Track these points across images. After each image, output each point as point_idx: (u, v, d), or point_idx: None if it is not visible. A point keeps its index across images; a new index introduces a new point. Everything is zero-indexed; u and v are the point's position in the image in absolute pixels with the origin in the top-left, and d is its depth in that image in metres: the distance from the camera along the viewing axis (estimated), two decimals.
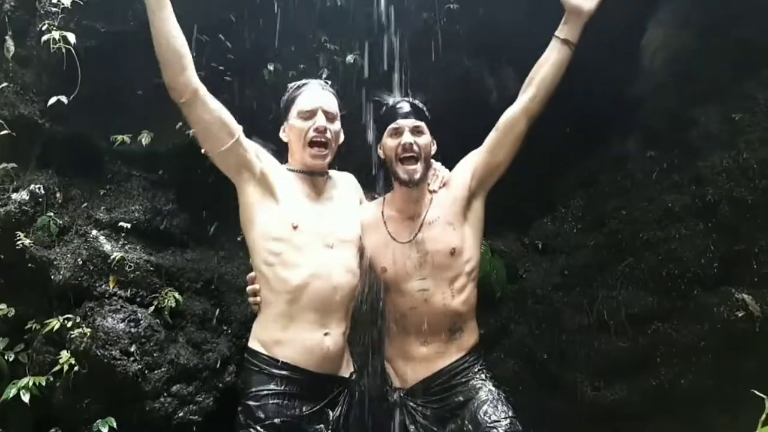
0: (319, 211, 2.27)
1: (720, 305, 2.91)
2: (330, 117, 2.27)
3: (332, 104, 2.30)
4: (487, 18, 3.45)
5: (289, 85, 2.37)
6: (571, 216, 3.54)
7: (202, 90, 2.13)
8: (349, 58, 3.32)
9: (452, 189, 2.37)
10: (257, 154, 2.25)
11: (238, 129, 2.20)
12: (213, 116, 2.14)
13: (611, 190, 3.41)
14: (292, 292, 2.14)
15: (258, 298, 2.25)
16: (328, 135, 2.25)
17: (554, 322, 3.31)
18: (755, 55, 3.03)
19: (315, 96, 2.28)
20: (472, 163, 2.39)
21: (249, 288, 2.30)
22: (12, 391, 3.02)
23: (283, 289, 2.15)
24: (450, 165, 2.48)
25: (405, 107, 2.32)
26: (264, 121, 3.36)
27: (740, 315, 2.84)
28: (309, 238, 2.18)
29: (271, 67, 3.34)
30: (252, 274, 2.31)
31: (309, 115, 2.24)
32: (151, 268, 3.22)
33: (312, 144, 2.25)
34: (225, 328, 3.39)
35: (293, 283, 2.14)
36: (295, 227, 2.16)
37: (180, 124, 3.11)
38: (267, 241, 2.19)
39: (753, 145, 2.96)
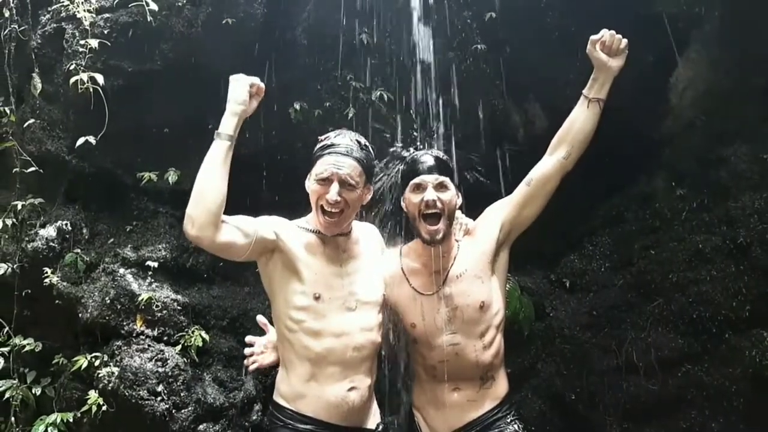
0: (341, 274, 2.23)
1: (752, 349, 2.88)
2: (348, 185, 2.15)
3: (353, 172, 2.14)
4: (513, 56, 3.44)
5: (321, 138, 2.25)
6: (599, 254, 3.51)
7: (218, 235, 2.00)
8: (375, 96, 3.31)
9: (479, 242, 2.31)
10: (276, 232, 2.16)
11: (252, 233, 2.09)
12: (228, 244, 2.05)
13: (639, 229, 3.38)
14: (314, 357, 2.14)
15: (254, 359, 2.31)
16: (341, 206, 2.16)
17: (582, 362, 3.29)
18: None
19: (335, 162, 2.14)
20: (500, 216, 2.32)
21: (248, 341, 2.35)
22: (41, 428, 3.09)
23: (306, 355, 2.14)
24: (476, 202, 2.43)
25: (428, 161, 2.22)
26: (289, 161, 3.38)
27: None
28: (331, 305, 2.16)
29: (297, 106, 3.34)
30: (262, 318, 2.35)
31: (325, 182, 2.15)
32: (178, 307, 3.24)
33: (324, 212, 2.19)
34: None
35: (315, 350, 2.13)
36: (317, 297, 2.14)
37: None
38: (289, 309, 2.16)
39: None
